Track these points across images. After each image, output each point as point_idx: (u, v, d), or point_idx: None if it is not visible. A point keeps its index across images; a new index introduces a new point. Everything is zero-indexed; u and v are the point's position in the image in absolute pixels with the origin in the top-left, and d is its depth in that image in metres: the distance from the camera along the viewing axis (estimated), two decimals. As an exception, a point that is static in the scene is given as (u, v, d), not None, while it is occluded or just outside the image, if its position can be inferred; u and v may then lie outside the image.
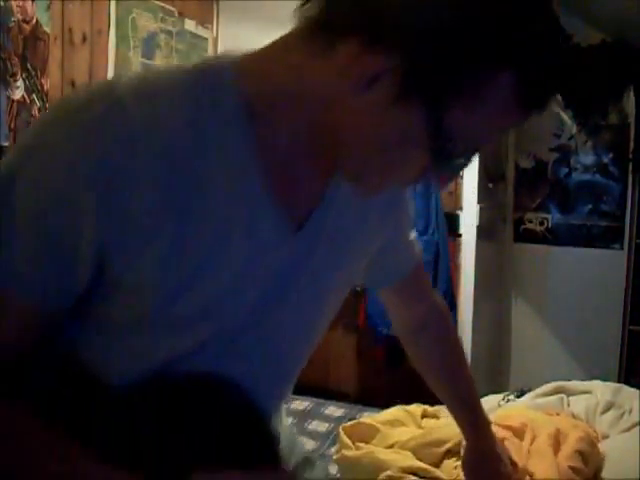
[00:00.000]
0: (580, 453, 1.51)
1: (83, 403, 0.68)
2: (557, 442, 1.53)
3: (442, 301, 1.15)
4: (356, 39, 0.60)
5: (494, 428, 1.29)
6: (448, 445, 1.52)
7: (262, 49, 0.71)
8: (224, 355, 0.73)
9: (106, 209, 0.62)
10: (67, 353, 0.71)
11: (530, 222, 3.79)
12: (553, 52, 0.62)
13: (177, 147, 0.63)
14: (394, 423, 1.78)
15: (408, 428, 1.78)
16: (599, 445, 1.66)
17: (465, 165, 0.68)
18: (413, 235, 1.02)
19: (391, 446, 1.66)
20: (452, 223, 3.16)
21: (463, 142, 0.64)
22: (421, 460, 1.55)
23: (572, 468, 1.46)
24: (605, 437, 1.73)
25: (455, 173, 0.72)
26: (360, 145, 0.66)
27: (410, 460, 1.53)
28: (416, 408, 1.91)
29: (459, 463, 1.42)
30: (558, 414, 1.83)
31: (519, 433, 1.58)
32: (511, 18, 0.59)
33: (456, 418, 1.17)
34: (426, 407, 1.92)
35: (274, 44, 0.71)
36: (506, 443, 1.41)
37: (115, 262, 0.64)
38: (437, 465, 1.56)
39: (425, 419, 1.87)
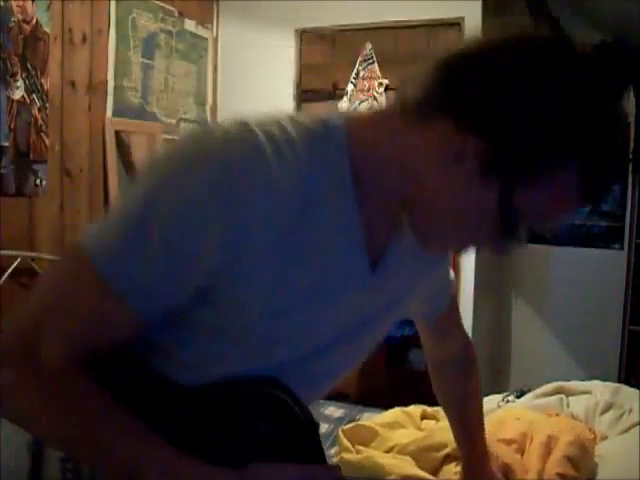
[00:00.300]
0: (569, 458, 1.50)
1: (155, 397, 0.77)
2: (548, 449, 1.53)
3: (467, 335, 1.26)
4: (450, 120, 0.71)
5: (497, 446, 1.37)
6: (447, 450, 1.51)
7: (368, 117, 0.82)
8: (289, 372, 0.80)
9: (230, 237, 0.69)
10: (142, 349, 0.79)
11: (530, 222, 3.79)
12: (616, 155, 0.73)
13: (295, 194, 0.72)
14: (393, 425, 1.77)
15: (407, 430, 1.77)
16: (597, 447, 1.65)
17: (524, 240, 0.77)
18: (452, 273, 1.13)
19: (391, 449, 1.65)
20: (452, 223, 3.16)
21: (527, 221, 0.74)
22: (421, 464, 1.55)
23: (560, 475, 1.45)
24: (604, 438, 1.72)
25: (516, 246, 0.78)
26: (436, 212, 0.77)
27: (410, 466, 1.53)
28: (415, 409, 1.90)
29: (459, 469, 1.42)
30: (557, 415, 1.83)
31: (522, 447, 1.56)
32: (581, 121, 0.68)
33: (458, 445, 1.31)
34: (425, 408, 1.92)
35: (379, 114, 0.83)
36: (509, 461, 1.42)
37: (221, 282, 0.72)
38: (437, 470, 1.55)
39: (425, 420, 1.87)
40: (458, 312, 1.22)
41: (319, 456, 0.81)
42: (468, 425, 1.28)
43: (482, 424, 1.28)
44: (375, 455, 1.57)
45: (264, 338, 0.78)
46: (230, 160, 0.69)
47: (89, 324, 0.74)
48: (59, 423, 0.74)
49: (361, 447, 1.64)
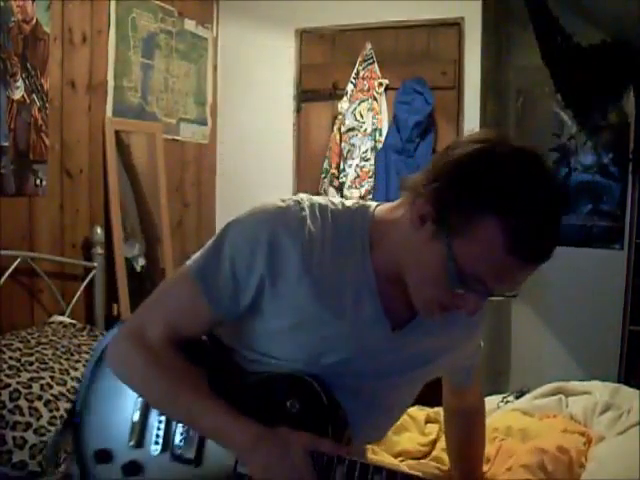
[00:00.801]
0: (526, 467, 1.51)
1: (225, 378, 1.08)
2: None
3: (481, 390, 1.39)
4: (423, 199, 0.95)
5: None
6: None
7: (391, 203, 1.08)
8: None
9: (270, 263, 1.00)
10: (221, 344, 1.13)
11: (530, 222, 3.79)
12: (535, 213, 0.87)
13: (321, 243, 1.01)
14: (399, 428, 1.77)
15: (412, 434, 1.78)
16: (594, 449, 1.65)
17: (483, 297, 0.95)
18: (480, 340, 1.27)
19: (398, 454, 1.65)
20: (452, 223, 3.15)
21: (471, 276, 0.92)
22: None
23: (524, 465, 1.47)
24: (601, 439, 1.72)
25: (476, 303, 0.96)
26: (413, 271, 0.99)
27: None
28: (418, 412, 1.90)
29: None
30: (555, 416, 1.84)
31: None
32: (494, 185, 0.89)
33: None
34: (428, 411, 1.92)
35: (397, 202, 1.06)
36: None
37: (263, 297, 1.02)
38: None
39: (428, 424, 1.87)
40: (479, 371, 1.34)
41: (336, 433, 1.01)
42: (467, 469, 1.42)
43: (481, 470, 1.44)
44: (396, 463, 1.57)
45: (291, 345, 1.04)
46: (279, 211, 1.02)
47: (181, 316, 1.07)
48: (150, 380, 1.06)
49: (376, 447, 1.63)
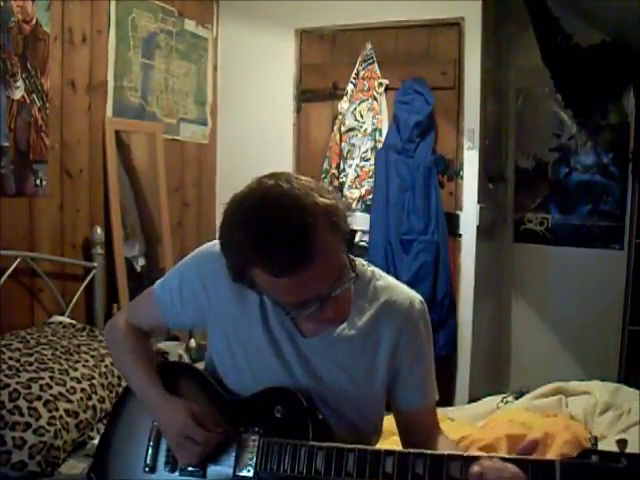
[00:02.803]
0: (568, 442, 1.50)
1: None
2: (545, 446, 1.52)
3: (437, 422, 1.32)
4: None
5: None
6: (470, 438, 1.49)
7: None
8: None
9: (202, 291, 1.29)
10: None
11: (530, 222, 3.79)
12: (260, 245, 1.03)
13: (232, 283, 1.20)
14: (387, 434, 1.75)
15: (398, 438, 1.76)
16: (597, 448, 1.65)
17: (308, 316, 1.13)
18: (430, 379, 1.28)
19: None
20: (452, 223, 3.16)
21: (276, 303, 1.15)
22: None
23: None
24: (604, 438, 1.73)
25: (310, 324, 1.17)
26: None
27: None
28: None
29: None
30: (556, 415, 1.83)
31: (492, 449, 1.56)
32: (233, 241, 1.07)
33: None
34: None
35: None
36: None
37: (207, 319, 1.32)
38: None
39: None
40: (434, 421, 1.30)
41: (316, 432, 1.14)
42: None
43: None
44: None
45: (234, 364, 1.28)
46: (206, 255, 1.29)
47: (143, 313, 1.40)
48: (118, 355, 1.42)
49: None
